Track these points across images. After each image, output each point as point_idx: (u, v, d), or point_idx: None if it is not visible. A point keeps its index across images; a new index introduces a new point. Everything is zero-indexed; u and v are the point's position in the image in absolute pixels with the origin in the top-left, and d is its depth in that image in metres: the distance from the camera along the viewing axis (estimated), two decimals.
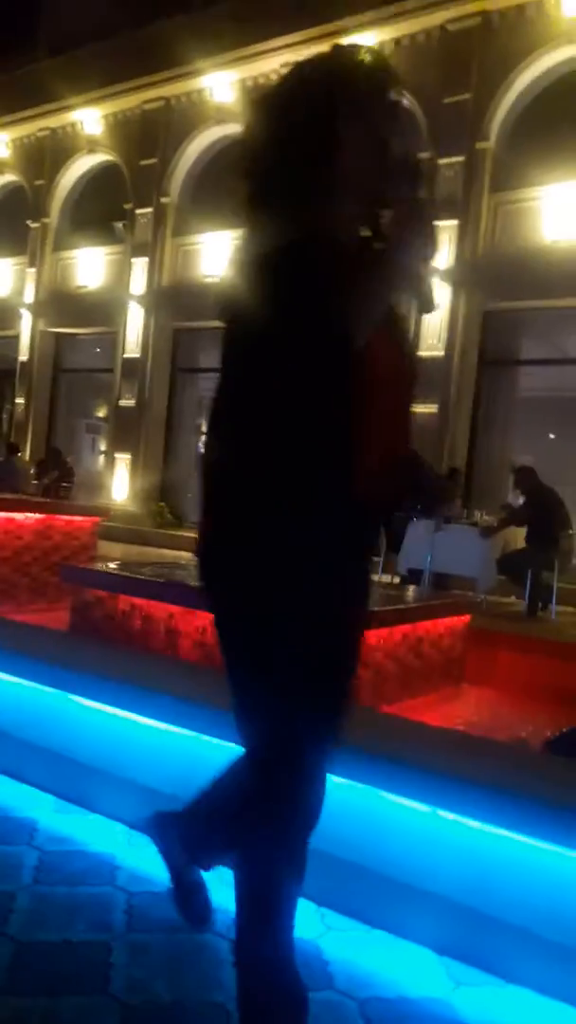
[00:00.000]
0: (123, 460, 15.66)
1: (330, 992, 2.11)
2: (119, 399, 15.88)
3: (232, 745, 2.85)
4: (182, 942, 2.29)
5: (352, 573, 1.68)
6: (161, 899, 2.51)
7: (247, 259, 1.58)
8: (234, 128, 14.43)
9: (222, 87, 14.71)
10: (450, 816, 2.29)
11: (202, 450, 1.60)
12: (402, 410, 1.67)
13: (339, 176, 1.54)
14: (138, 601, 4.52)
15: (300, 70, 1.61)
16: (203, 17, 14.55)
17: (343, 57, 1.60)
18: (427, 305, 1.54)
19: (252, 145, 1.63)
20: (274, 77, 12.20)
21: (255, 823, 1.68)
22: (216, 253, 14.91)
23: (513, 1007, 2.10)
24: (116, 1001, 2.01)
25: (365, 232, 1.63)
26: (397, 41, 13.04)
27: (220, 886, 2.60)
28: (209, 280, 14.88)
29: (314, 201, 1.54)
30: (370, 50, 1.63)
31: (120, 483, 15.65)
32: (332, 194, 1.56)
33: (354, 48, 1.63)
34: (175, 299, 15.31)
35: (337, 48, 1.63)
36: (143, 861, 2.76)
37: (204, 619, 4.36)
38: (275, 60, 13.18)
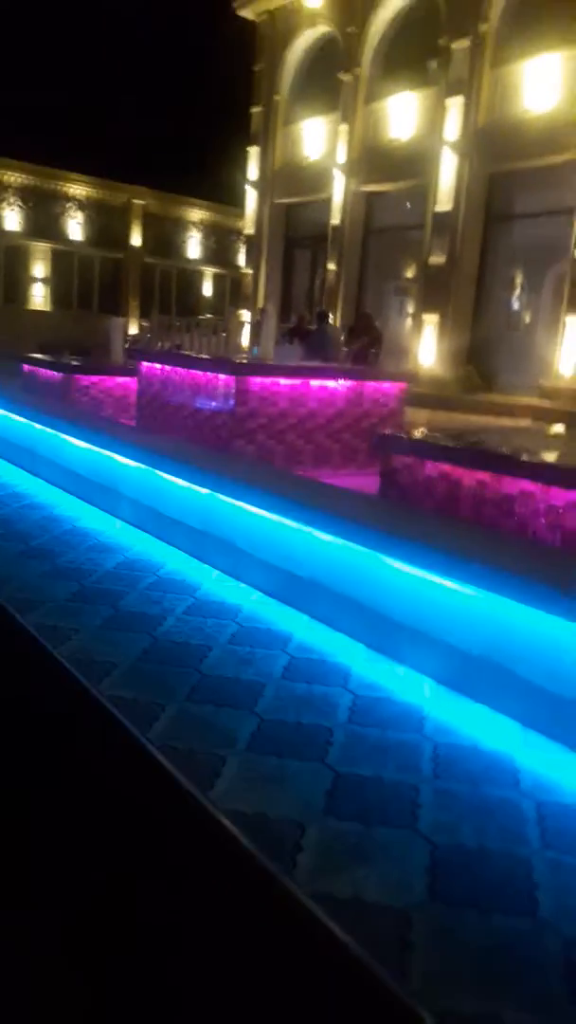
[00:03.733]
0: (431, 322, 15.33)
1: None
2: (429, 256, 15.38)
3: (536, 611, 2.84)
4: (486, 795, 2.41)
5: None
6: (465, 752, 2.65)
7: None
8: None
9: None
10: None
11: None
12: None
13: None
14: (447, 468, 4.53)
15: None
16: None
17: None
18: None
19: None
20: None
21: None
22: (541, 81, 13.35)
23: None
24: (424, 838, 2.20)
25: None
26: None
27: (525, 748, 2.67)
28: (531, 115, 13.47)
29: None
30: None
31: (427, 346, 15.42)
32: None
33: None
34: (492, 140, 14.15)
35: None
36: (449, 715, 2.91)
37: (514, 487, 4.26)
38: None
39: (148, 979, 1.62)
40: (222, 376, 6.56)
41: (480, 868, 2.10)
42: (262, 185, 19.74)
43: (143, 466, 5.26)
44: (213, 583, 4.26)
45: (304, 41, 18.52)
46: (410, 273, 18.18)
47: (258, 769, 2.48)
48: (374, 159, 16.79)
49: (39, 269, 24.86)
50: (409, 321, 17.65)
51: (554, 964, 1.80)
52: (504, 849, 2.17)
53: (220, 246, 28.99)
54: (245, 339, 15.39)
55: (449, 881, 2.04)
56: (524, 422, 10.87)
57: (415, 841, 2.18)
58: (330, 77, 17.45)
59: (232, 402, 6.41)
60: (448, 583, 3.17)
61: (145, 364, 7.83)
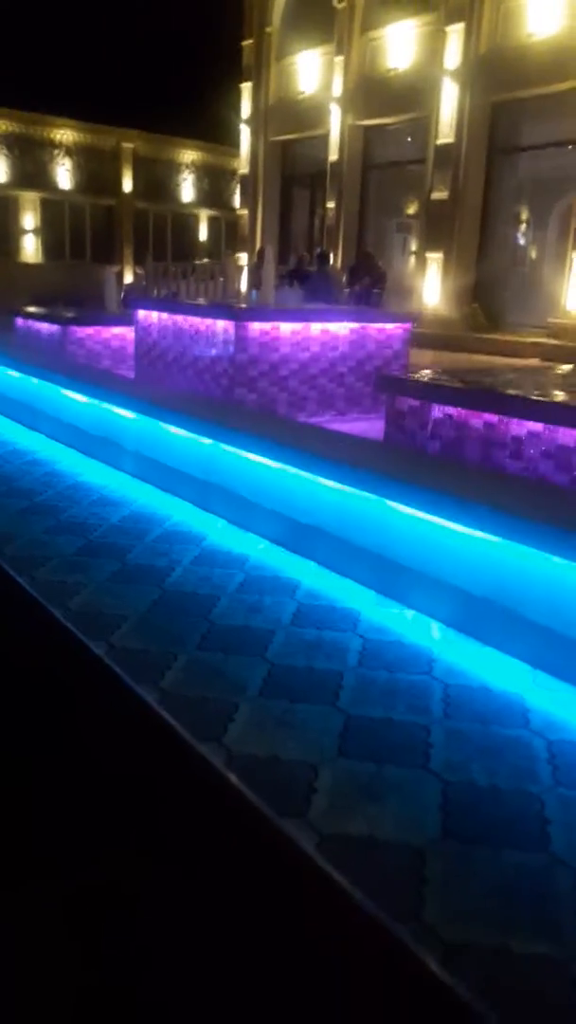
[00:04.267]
0: (434, 260, 15.02)
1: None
2: (431, 192, 14.99)
3: (543, 553, 2.83)
4: (495, 734, 2.43)
5: None
6: (475, 692, 2.67)
7: None
8: None
9: None
10: None
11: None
12: None
13: None
14: (452, 411, 4.47)
15: None
16: None
17: None
18: None
19: None
20: None
21: None
22: (544, 4, 12.79)
23: None
24: (436, 776, 2.22)
25: None
26: None
27: (534, 688, 2.68)
28: (535, 40, 12.94)
29: None
30: None
31: (431, 285, 15.14)
32: None
33: None
34: (494, 67, 13.64)
35: None
36: (458, 656, 2.93)
37: (520, 429, 4.21)
38: None
39: (148, 942, 1.64)
40: (221, 322, 6.46)
41: (492, 805, 2.12)
42: (256, 122, 19.17)
43: (144, 418, 5.21)
44: (219, 533, 4.25)
45: None
46: (412, 210, 17.76)
47: (270, 714, 2.50)
48: (372, 91, 16.24)
49: (28, 220, 24.34)
50: (412, 259, 17.31)
51: (567, 897, 1.83)
52: (515, 786, 2.20)
53: (214, 187, 28.28)
54: (243, 283, 15.13)
55: (461, 818, 2.07)
56: (532, 361, 10.72)
57: (427, 780, 2.21)
58: (324, 5, 16.77)
59: (232, 349, 6.32)
60: (455, 526, 3.15)
61: (142, 313, 7.71)
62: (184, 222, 27.85)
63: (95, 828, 2.05)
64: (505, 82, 13.59)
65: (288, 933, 1.55)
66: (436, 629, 3.15)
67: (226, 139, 24.32)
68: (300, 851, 1.76)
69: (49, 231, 24.80)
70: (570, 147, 13.16)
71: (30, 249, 24.52)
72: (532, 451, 4.15)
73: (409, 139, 16.45)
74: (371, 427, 5.46)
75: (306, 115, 17.85)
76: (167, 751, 2.22)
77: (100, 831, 2.03)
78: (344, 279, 13.31)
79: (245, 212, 20.01)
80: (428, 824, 2.04)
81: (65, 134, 24.73)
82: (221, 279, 9.04)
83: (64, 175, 24.87)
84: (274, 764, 2.25)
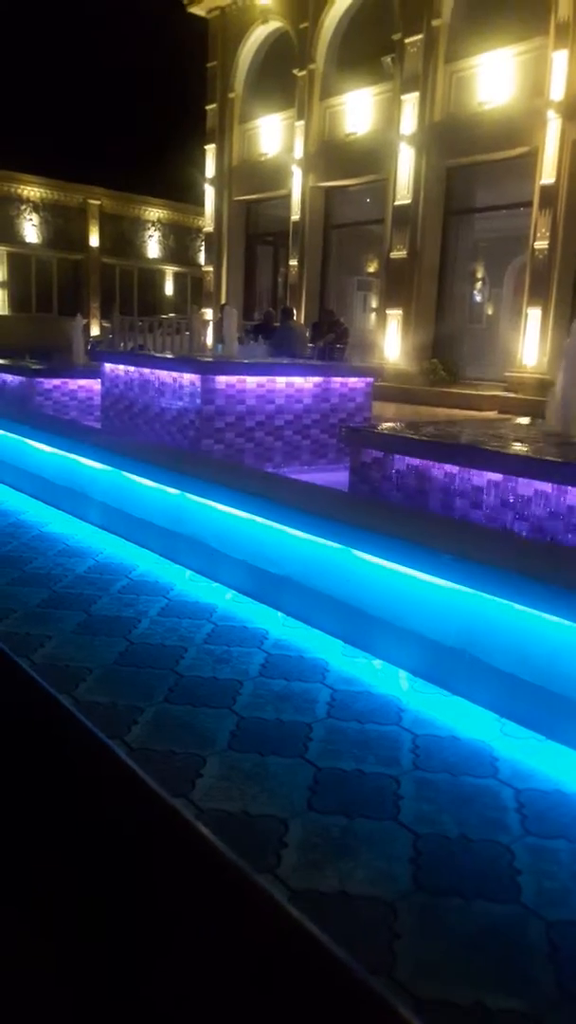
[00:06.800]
0: (395, 316, 15.42)
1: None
2: (390, 251, 15.46)
3: (507, 602, 2.88)
4: (465, 784, 2.43)
5: None
6: (444, 742, 2.68)
7: None
8: None
9: None
10: None
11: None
12: None
13: None
14: (416, 461, 4.56)
15: None
16: None
17: None
18: None
19: None
20: None
21: None
22: (494, 76, 13.46)
23: None
24: (407, 829, 2.21)
25: None
26: None
27: (502, 737, 2.70)
28: (486, 108, 13.59)
29: None
30: None
31: (391, 341, 15.51)
32: None
33: None
34: (448, 134, 14.27)
35: None
36: (427, 706, 2.94)
37: (481, 479, 4.31)
38: None
39: (123, 995, 1.60)
40: (187, 375, 6.53)
41: (463, 856, 2.12)
42: (220, 182, 19.69)
43: (111, 468, 5.22)
44: (186, 583, 4.24)
45: (257, 37, 18.50)
46: (372, 268, 18.27)
47: (239, 767, 2.48)
48: (332, 155, 16.83)
49: None
50: (373, 316, 17.74)
51: (538, 947, 1.83)
52: (485, 836, 2.20)
53: (180, 245, 28.84)
54: (209, 337, 15.34)
55: (433, 870, 2.05)
56: (491, 414, 10.99)
57: (398, 832, 2.20)
58: (285, 74, 17.45)
59: (198, 401, 6.38)
60: (421, 575, 3.19)
61: (108, 365, 7.77)
62: (150, 277, 28.28)
63: (66, 881, 1.99)
64: (459, 148, 14.20)
65: (266, 984, 1.52)
66: (404, 679, 3.17)
67: (191, 198, 24.91)
68: (277, 904, 1.74)
69: (16, 284, 24.98)
70: (521, 209, 13.72)
71: None
72: (492, 500, 4.24)
73: (368, 200, 17.02)
74: (336, 478, 5.54)
75: (269, 176, 18.39)
76: (139, 805, 2.18)
77: (71, 885, 1.98)
78: (308, 335, 13.58)
79: (210, 269, 20.40)
80: (399, 877, 2.02)
81: (32, 190, 25.11)
82: (187, 333, 9.18)
83: (31, 230, 25.17)
84: (244, 819, 2.22)
